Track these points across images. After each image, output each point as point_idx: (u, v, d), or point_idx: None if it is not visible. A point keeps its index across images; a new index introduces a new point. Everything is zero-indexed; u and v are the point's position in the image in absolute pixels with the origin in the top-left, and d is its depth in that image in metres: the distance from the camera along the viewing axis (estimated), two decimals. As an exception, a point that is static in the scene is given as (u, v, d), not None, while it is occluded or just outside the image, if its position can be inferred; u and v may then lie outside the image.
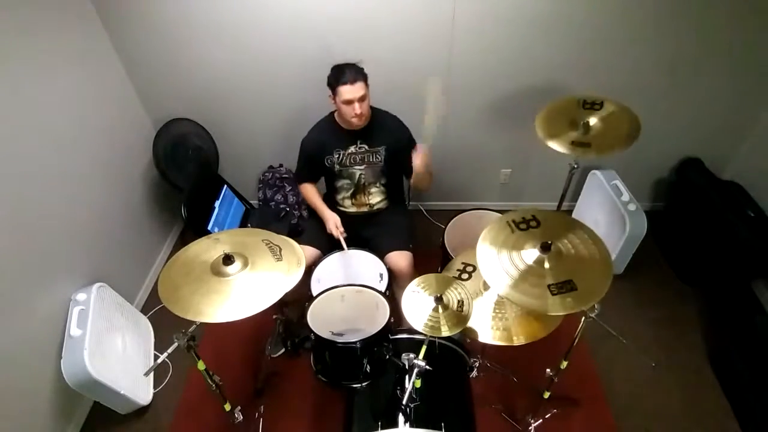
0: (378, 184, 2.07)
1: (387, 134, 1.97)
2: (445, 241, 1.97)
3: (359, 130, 1.92)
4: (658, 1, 2.09)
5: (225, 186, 2.73)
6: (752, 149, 2.53)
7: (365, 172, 2.01)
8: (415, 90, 2.40)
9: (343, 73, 1.77)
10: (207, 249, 1.37)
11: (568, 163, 1.97)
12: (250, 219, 2.82)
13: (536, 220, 1.37)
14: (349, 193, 2.07)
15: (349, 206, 2.09)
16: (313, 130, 2.02)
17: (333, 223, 1.98)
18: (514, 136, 2.61)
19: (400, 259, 1.96)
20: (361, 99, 1.79)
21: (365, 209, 2.09)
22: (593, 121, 1.84)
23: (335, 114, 1.97)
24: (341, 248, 1.95)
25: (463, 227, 2.07)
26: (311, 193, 2.11)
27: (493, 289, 1.25)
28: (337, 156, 1.97)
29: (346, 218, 2.06)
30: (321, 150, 1.98)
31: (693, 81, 2.36)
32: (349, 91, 1.77)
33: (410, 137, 2.02)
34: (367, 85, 1.82)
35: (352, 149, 1.96)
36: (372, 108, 1.94)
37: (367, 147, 1.96)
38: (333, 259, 1.96)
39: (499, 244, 1.32)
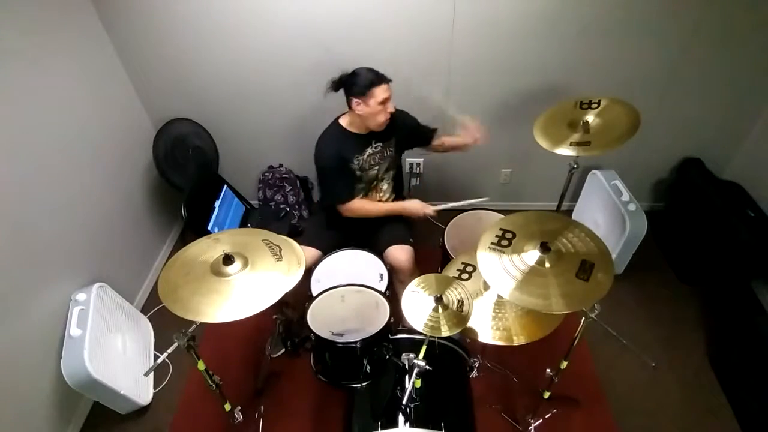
0: (388, 178, 2.06)
1: (394, 126, 1.92)
2: (445, 241, 1.97)
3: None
4: (659, 3, 2.09)
5: (225, 186, 2.73)
6: (752, 149, 2.53)
7: (381, 167, 2.00)
8: (415, 92, 2.43)
9: (375, 75, 1.74)
10: (207, 249, 1.37)
11: (567, 163, 1.97)
12: (250, 219, 2.82)
13: (510, 232, 1.36)
14: (361, 193, 2.03)
15: (370, 187, 2.05)
16: (326, 145, 1.89)
17: (421, 207, 1.94)
18: (515, 136, 2.61)
19: (401, 253, 1.95)
20: (389, 97, 1.79)
21: None
22: (592, 119, 1.84)
23: (342, 121, 1.91)
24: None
25: (463, 227, 2.07)
26: (367, 204, 2.00)
27: (528, 306, 1.22)
28: (357, 162, 1.92)
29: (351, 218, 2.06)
30: (345, 160, 1.89)
31: (693, 81, 2.36)
32: (385, 90, 1.75)
33: (412, 117, 2.03)
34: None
35: (369, 151, 1.92)
36: None
37: (381, 144, 1.94)
38: (333, 259, 1.96)
39: (501, 267, 1.28)
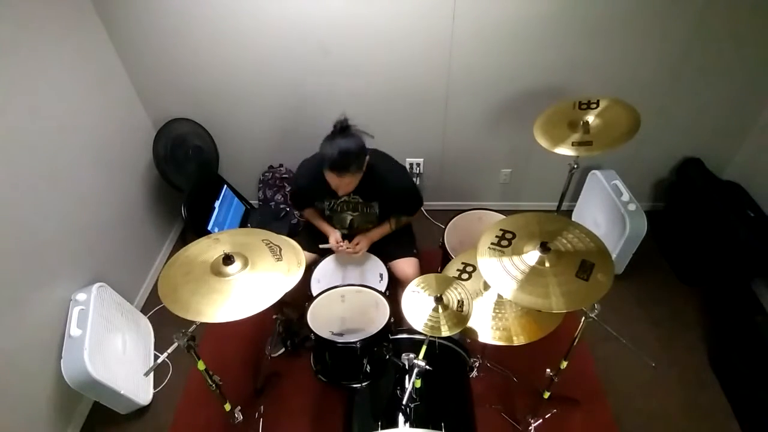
0: (373, 225, 1.99)
1: (384, 190, 1.82)
2: (445, 241, 1.97)
3: None
4: (659, 4, 2.09)
5: (225, 186, 2.73)
6: (752, 149, 2.53)
7: (357, 218, 1.93)
8: (415, 94, 2.43)
9: (330, 160, 1.57)
10: (207, 249, 1.37)
11: (567, 163, 1.97)
12: (250, 219, 2.82)
13: (510, 232, 1.35)
14: (344, 229, 2.00)
15: (348, 234, 2.03)
16: (301, 176, 1.90)
17: (334, 239, 1.89)
18: (515, 137, 2.61)
19: (407, 265, 1.94)
20: (346, 184, 1.67)
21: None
22: (592, 119, 1.84)
23: None
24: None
25: (463, 227, 2.07)
26: (312, 215, 2.02)
27: (534, 306, 1.21)
28: (327, 203, 1.89)
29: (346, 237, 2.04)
30: (312, 194, 1.90)
31: (693, 81, 2.36)
32: (334, 179, 1.63)
33: (409, 193, 1.90)
34: (360, 166, 1.64)
35: (344, 198, 1.85)
36: (376, 154, 1.80)
37: (360, 199, 1.86)
38: (333, 260, 1.96)
39: (501, 268, 1.28)
